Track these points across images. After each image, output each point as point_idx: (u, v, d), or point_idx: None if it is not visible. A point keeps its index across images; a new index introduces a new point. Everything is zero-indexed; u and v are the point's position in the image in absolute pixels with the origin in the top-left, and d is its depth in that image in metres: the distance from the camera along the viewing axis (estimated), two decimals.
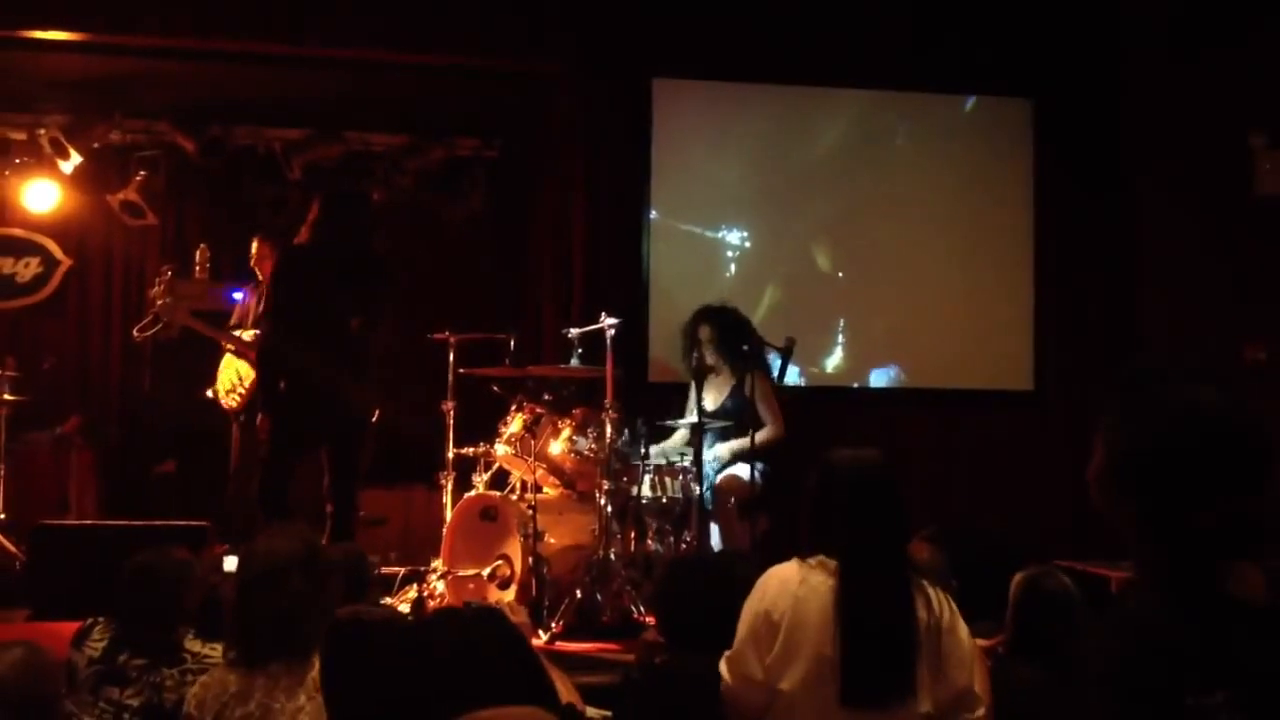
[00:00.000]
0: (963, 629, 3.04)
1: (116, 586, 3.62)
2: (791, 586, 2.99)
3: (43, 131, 8.03)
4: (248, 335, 6.99)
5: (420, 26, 7.23)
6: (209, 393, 7.12)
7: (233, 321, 7.26)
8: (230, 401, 7.05)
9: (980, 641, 3.26)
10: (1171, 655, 1.71)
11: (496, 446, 6.28)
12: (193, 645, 3.53)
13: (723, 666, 3.04)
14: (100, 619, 3.64)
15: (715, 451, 6.38)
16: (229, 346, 7.06)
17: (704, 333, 6.49)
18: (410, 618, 5.09)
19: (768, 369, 6.42)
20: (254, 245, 7.23)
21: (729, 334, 6.46)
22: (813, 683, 2.93)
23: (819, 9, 7.56)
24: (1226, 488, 1.77)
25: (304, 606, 3.00)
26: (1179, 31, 7.55)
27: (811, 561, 3.03)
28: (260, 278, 7.09)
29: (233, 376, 7.02)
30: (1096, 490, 1.88)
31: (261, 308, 6.82)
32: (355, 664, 2.73)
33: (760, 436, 6.23)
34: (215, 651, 3.44)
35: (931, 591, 3.03)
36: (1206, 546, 1.76)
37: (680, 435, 6.62)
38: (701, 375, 6.30)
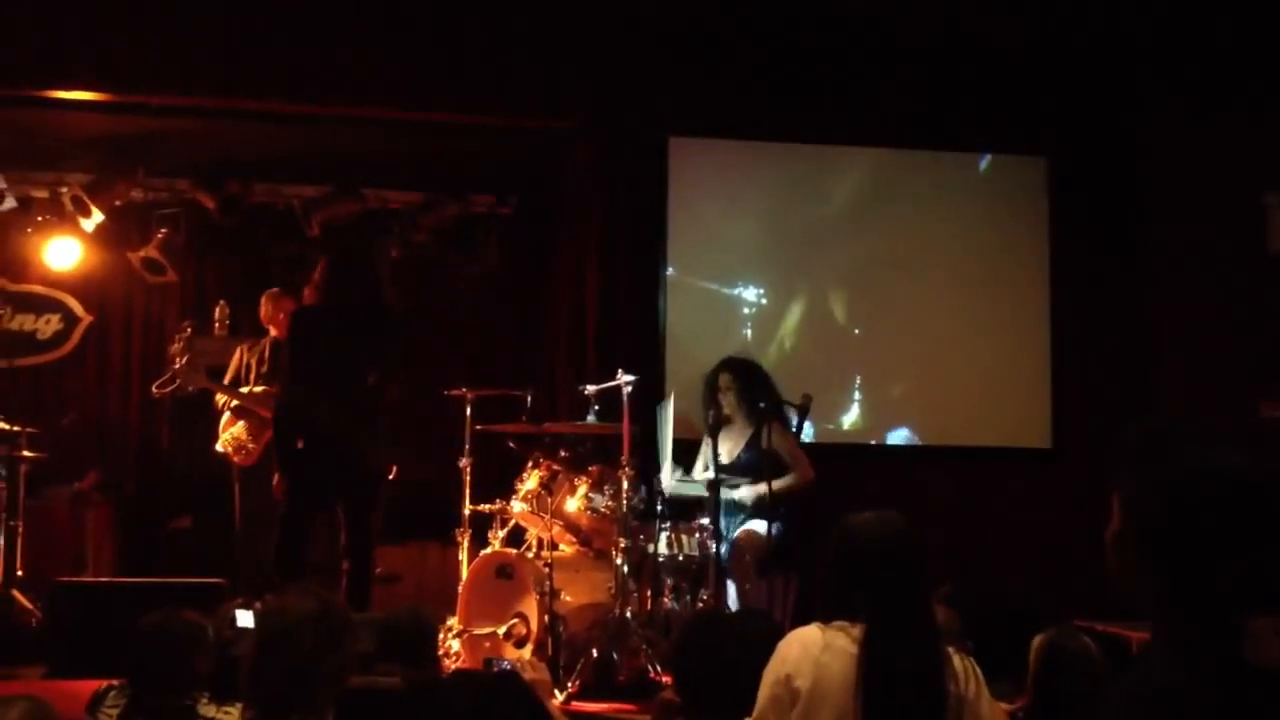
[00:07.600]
0: (988, 701, 2.98)
1: (128, 652, 3.58)
2: (814, 651, 2.93)
3: (65, 189, 8.10)
4: (247, 390, 7.03)
5: (437, 85, 7.30)
6: (218, 447, 7.15)
7: (229, 378, 7.28)
8: (240, 458, 7.07)
9: (1001, 705, 3.22)
10: None
11: (513, 503, 6.27)
12: (207, 710, 3.49)
13: None
14: (115, 684, 3.60)
15: (739, 494, 6.30)
16: (237, 404, 7.08)
17: (724, 380, 6.47)
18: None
19: (785, 420, 6.40)
20: (264, 303, 7.28)
21: (750, 384, 6.45)
22: None
23: (833, 68, 7.61)
24: (1247, 549, 1.76)
25: (317, 664, 2.99)
26: (1194, 91, 7.59)
27: (834, 626, 2.97)
28: (273, 333, 7.14)
29: (240, 433, 7.05)
30: (1114, 554, 1.87)
31: (266, 366, 6.91)
32: None
33: (788, 482, 6.20)
34: (229, 716, 3.41)
35: (958, 660, 2.98)
36: (1227, 610, 1.75)
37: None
38: (717, 429, 6.28)
